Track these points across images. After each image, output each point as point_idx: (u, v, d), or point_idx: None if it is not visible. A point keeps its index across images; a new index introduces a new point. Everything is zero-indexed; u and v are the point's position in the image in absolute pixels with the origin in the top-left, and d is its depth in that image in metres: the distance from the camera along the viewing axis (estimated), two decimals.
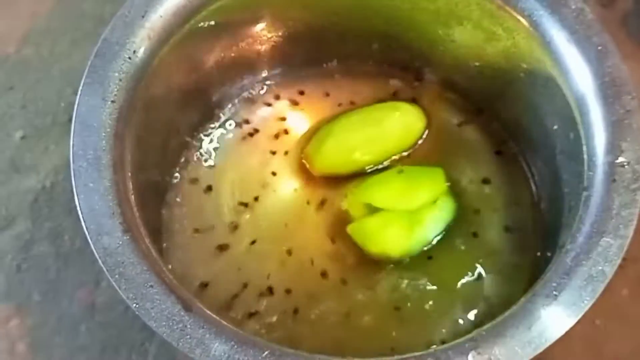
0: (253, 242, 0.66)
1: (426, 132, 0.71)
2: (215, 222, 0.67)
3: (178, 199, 0.68)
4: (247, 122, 0.72)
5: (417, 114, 0.71)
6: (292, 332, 0.63)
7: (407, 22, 0.69)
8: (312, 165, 0.69)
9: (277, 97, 0.73)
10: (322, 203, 0.68)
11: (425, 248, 0.66)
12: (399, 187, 0.66)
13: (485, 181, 0.69)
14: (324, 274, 0.65)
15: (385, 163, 0.70)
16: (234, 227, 0.67)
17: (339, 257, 0.66)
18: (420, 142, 0.71)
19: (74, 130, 0.53)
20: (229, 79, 0.71)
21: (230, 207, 0.68)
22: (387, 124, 0.70)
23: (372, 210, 0.65)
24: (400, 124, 0.70)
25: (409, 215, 0.65)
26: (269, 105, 0.73)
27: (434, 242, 0.66)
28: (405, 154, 0.71)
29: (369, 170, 0.69)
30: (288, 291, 0.64)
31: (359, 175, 0.69)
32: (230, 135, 0.71)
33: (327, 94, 0.74)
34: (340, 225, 0.67)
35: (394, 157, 0.70)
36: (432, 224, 0.66)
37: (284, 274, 0.65)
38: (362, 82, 0.74)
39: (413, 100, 0.73)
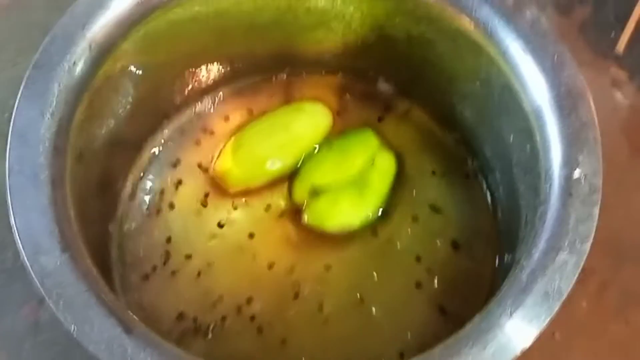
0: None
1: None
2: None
3: (126, 216, 0.67)
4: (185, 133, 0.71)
5: (322, 112, 0.71)
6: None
7: (359, 31, 0.68)
8: (225, 183, 0.68)
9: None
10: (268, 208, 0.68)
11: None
12: (334, 159, 0.68)
13: (442, 195, 0.69)
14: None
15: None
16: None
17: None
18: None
19: (10, 144, 0.51)
20: (175, 91, 0.70)
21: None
22: (295, 127, 0.70)
23: (318, 192, 0.67)
24: (307, 124, 0.70)
25: (354, 182, 0.67)
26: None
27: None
28: None
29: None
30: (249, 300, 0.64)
31: (276, 182, 0.69)
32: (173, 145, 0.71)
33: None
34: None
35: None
36: (379, 182, 0.67)
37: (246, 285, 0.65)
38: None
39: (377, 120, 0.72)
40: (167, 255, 0.65)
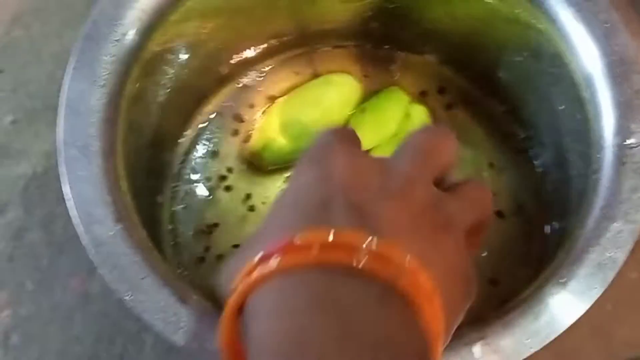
0: None
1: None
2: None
3: (175, 187, 0.67)
4: (238, 118, 0.71)
5: (351, 83, 0.71)
6: None
7: (405, 2, 0.67)
8: (260, 162, 0.69)
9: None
10: None
11: None
12: (371, 122, 0.68)
13: (490, 165, 0.68)
14: None
15: None
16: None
17: None
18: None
19: (62, 115, 0.51)
20: (221, 66, 0.70)
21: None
22: (326, 101, 0.70)
23: None
24: (338, 98, 0.70)
25: (394, 140, 0.67)
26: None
27: None
28: None
29: None
30: None
31: None
32: (222, 123, 0.71)
33: None
34: None
35: None
36: None
37: None
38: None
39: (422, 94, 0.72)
40: (212, 242, 0.66)
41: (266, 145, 0.68)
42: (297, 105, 0.70)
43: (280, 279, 0.36)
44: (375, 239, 0.36)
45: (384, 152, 0.66)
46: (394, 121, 0.67)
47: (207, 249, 0.65)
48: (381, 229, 0.37)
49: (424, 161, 0.43)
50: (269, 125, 0.69)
